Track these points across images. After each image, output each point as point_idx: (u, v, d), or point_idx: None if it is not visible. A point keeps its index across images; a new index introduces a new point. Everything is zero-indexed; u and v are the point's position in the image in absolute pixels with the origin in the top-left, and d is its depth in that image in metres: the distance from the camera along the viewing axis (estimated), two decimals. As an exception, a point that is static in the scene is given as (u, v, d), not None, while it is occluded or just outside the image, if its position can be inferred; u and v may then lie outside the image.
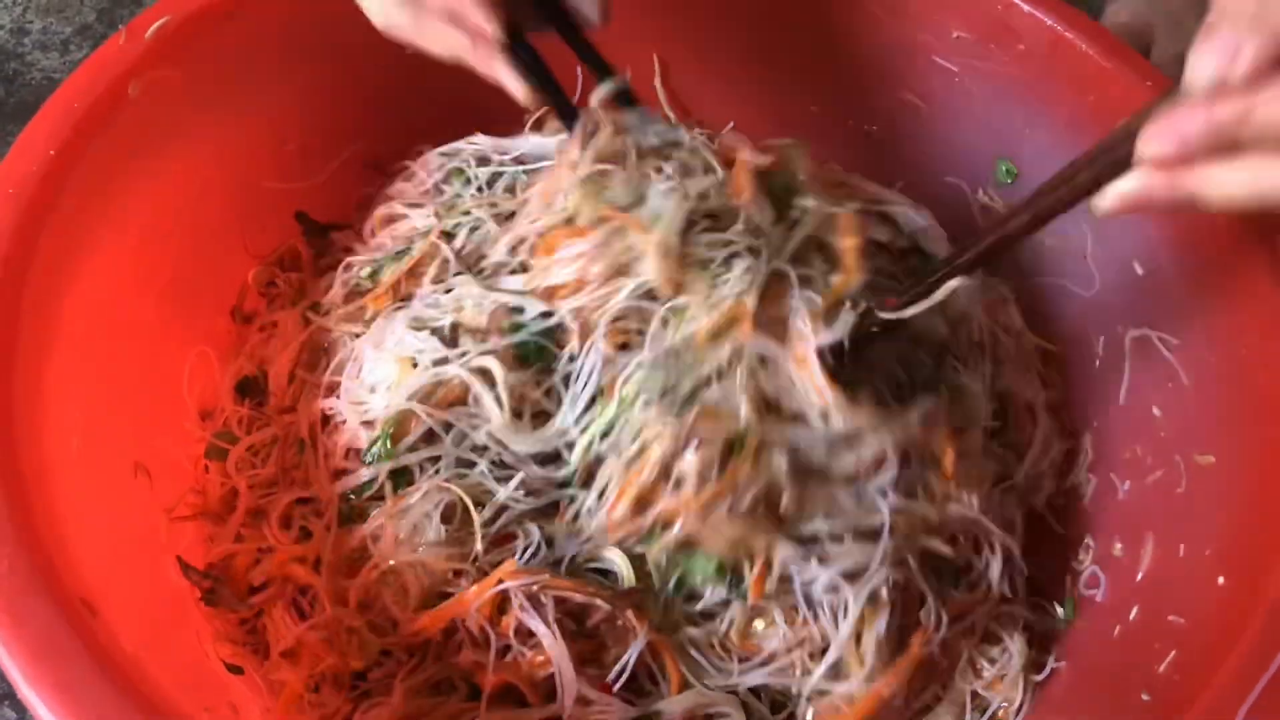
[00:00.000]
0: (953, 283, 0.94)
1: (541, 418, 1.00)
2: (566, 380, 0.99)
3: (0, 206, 0.95)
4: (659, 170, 1.01)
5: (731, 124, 1.37)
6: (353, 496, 1.04)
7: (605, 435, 0.96)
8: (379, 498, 1.02)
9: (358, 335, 1.10)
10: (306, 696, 0.98)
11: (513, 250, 1.07)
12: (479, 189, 1.20)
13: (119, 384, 1.04)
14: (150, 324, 1.11)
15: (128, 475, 1.03)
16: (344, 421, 1.06)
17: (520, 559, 0.96)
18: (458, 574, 0.97)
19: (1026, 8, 1.17)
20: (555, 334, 1.01)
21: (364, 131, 1.31)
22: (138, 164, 1.07)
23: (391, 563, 0.99)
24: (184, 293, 1.15)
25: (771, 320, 0.94)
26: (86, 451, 0.96)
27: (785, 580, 0.95)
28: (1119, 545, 1.10)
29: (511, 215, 1.13)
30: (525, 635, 0.94)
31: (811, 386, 0.92)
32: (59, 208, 0.98)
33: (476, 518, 0.97)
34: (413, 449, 1.01)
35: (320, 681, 0.99)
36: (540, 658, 0.93)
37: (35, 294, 0.94)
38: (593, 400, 0.98)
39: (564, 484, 1.00)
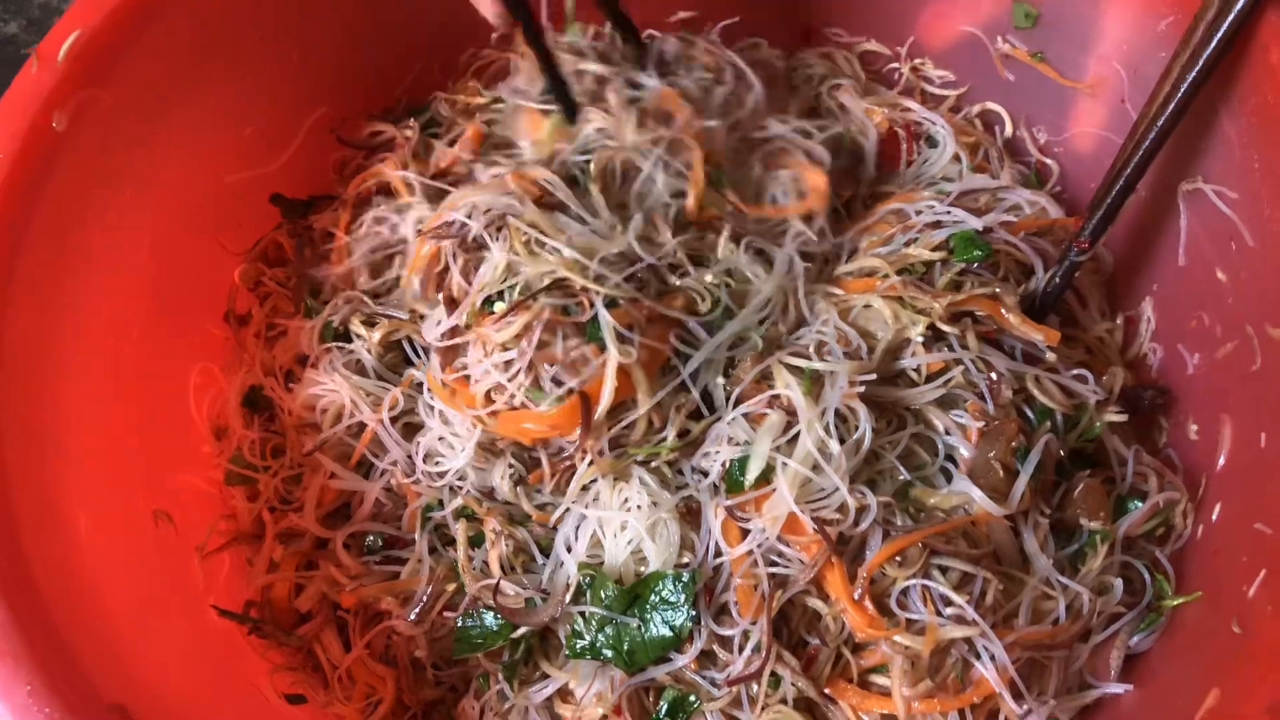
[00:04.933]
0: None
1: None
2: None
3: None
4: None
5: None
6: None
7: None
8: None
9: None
10: (367, 722, 0.97)
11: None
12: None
13: (122, 439, 1.00)
14: (143, 359, 1.06)
15: (148, 528, 1.00)
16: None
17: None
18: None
19: None
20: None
21: (321, 97, 1.21)
22: (87, 203, 0.99)
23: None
24: (172, 314, 1.10)
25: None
26: (98, 526, 0.93)
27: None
28: (1194, 427, 1.02)
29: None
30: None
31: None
32: (14, 279, 0.92)
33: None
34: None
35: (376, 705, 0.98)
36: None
37: (12, 386, 0.90)
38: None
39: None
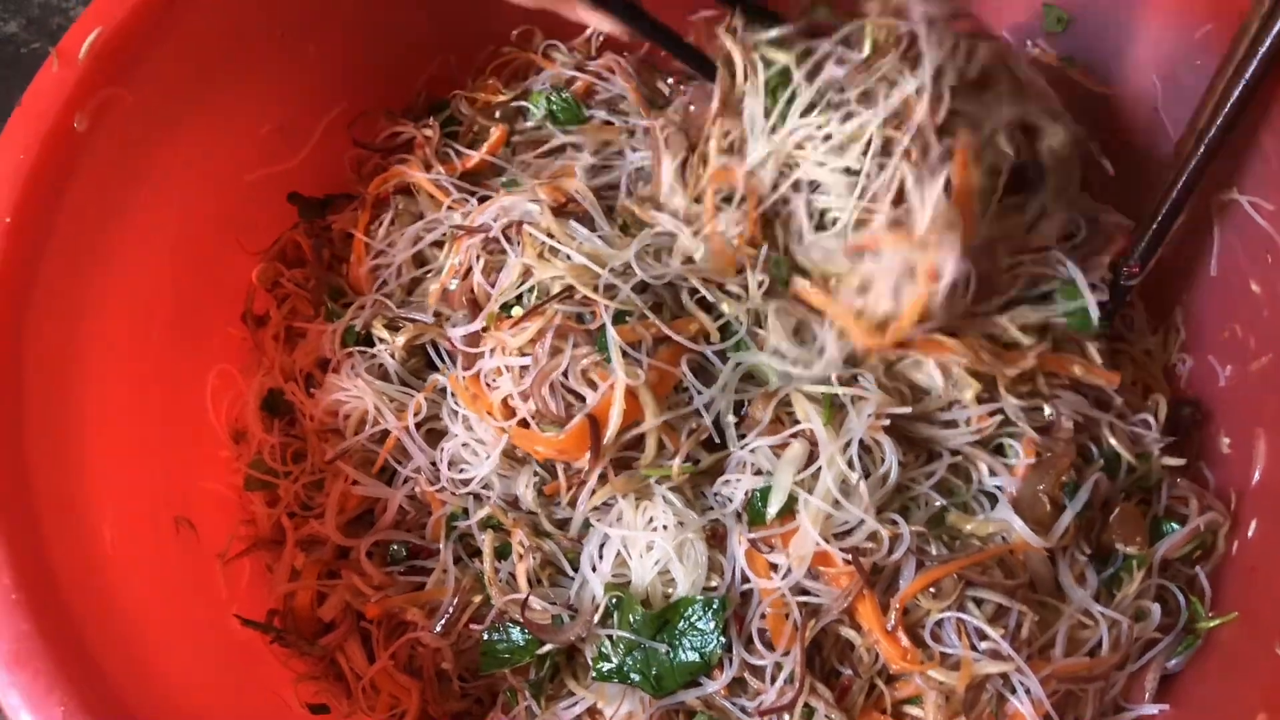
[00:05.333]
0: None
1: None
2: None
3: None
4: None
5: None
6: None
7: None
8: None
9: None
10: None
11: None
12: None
13: (142, 444, 0.99)
14: (162, 360, 1.05)
15: (171, 537, 0.99)
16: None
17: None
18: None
19: None
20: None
21: (339, 94, 1.19)
22: (108, 204, 0.98)
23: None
24: (190, 314, 1.09)
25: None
26: (123, 537, 0.91)
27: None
28: (1226, 440, 1.01)
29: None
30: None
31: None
32: (36, 285, 0.91)
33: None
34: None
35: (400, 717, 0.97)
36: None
37: (35, 393, 0.88)
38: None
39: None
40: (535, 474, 0.98)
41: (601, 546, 0.93)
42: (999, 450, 0.94)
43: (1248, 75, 0.89)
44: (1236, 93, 0.90)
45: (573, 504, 0.96)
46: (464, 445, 1.00)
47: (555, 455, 0.93)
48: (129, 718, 0.79)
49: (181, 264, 1.07)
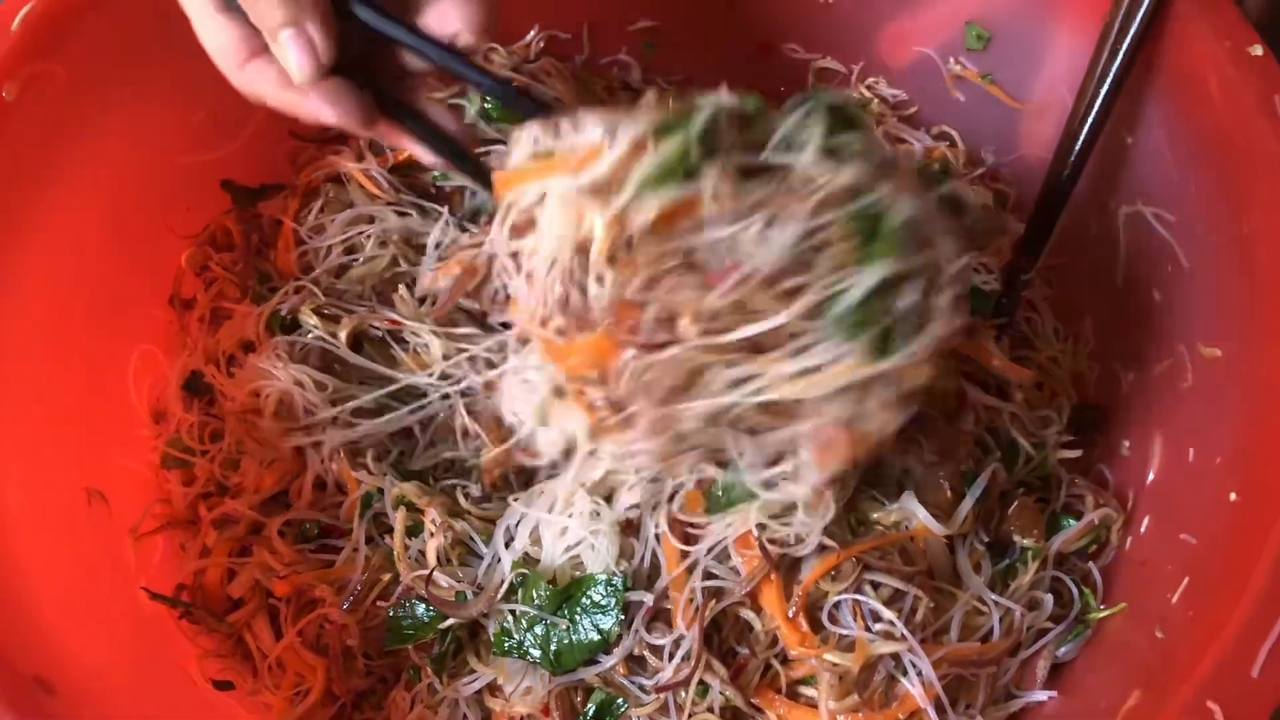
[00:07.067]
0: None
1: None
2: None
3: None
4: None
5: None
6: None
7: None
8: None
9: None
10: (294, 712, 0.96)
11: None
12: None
13: (58, 411, 0.99)
14: (84, 336, 1.05)
15: (81, 507, 0.99)
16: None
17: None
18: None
19: None
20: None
21: (278, 84, 1.20)
22: (33, 177, 0.98)
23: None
24: (116, 294, 1.09)
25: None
26: (28, 500, 0.91)
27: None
28: (1126, 443, 1.04)
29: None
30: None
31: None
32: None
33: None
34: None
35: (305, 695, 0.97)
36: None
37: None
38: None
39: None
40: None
41: (517, 523, 0.94)
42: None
43: (1112, 73, 0.96)
44: (1103, 91, 0.97)
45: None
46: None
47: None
48: (17, 670, 0.78)
49: (108, 243, 1.08)
